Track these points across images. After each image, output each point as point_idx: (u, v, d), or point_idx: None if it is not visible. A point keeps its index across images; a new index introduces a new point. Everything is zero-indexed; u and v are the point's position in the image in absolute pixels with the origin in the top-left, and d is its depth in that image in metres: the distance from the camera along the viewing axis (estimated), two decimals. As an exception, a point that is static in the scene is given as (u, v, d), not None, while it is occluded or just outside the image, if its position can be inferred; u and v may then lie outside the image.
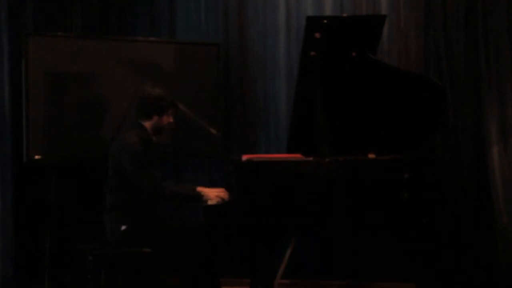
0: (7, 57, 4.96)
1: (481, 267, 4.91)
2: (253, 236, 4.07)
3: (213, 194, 4.20)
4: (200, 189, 4.24)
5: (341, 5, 5.22)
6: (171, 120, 4.34)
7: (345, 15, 5.15)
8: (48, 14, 5.25)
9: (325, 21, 4.26)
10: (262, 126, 5.39)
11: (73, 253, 4.54)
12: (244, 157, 4.18)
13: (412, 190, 4.12)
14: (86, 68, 4.99)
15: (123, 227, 4.16)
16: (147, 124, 4.28)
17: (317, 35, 4.20)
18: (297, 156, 4.25)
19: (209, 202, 4.17)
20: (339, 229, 4.83)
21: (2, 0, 4.95)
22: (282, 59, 5.36)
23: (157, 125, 4.29)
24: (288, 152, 4.51)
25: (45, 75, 4.88)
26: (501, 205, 4.82)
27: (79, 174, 5.20)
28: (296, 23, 5.29)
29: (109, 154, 4.26)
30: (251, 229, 4.00)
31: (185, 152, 5.25)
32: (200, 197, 4.18)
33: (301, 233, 4.67)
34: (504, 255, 4.81)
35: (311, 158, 4.13)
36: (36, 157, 4.81)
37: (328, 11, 5.23)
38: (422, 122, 4.38)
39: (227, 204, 4.14)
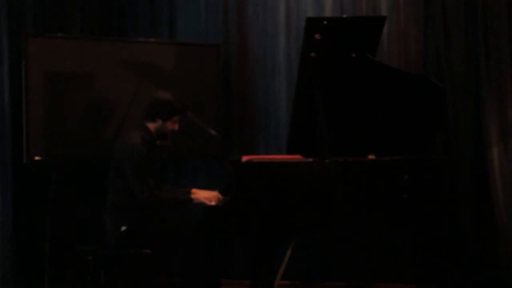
0: (7, 57, 4.95)
1: (481, 267, 4.91)
2: (253, 236, 4.07)
3: (202, 196, 4.23)
4: (194, 191, 4.30)
5: (341, 6, 5.21)
6: (175, 127, 4.34)
7: (345, 16, 5.15)
8: (48, 14, 5.24)
9: (325, 22, 4.26)
10: (262, 126, 5.39)
11: (73, 253, 4.54)
12: (244, 158, 4.18)
13: (412, 191, 4.12)
14: (86, 69, 4.98)
15: (123, 228, 4.16)
16: (151, 126, 4.29)
17: (317, 36, 4.19)
18: (297, 157, 4.25)
19: (209, 203, 4.18)
20: (339, 230, 4.85)
21: (2, 0, 4.95)
22: (282, 59, 5.36)
23: (160, 129, 4.30)
24: (288, 153, 4.51)
25: (45, 76, 4.88)
26: (501, 205, 4.82)
27: (79, 175, 5.20)
28: (296, 24, 5.28)
29: (112, 154, 4.28)
30: (251, 229, 4.00)
31: (185, 153, 5.25)
32: (189, 201, 4.24)
33: (301, 234, 4.67)
34: (504, 255, 4.81)
35: (311, 159, 4.13)
36: (36, 157, 4.81)
37: (328, 11, 5.23)
38: (422, 122, 4.38)
39: (227, 204, 4.14)
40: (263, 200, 3.95)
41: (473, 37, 4.96)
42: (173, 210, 4.61)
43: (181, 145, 5.11)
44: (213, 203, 4.18)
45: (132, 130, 4.35)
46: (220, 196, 4.24)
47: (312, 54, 4.23)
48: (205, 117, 5.02)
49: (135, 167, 4.13)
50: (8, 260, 4.96)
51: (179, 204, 4.35)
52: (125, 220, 4.19)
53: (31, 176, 5.03)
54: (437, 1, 5.02)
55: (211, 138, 4.72)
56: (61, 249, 5.00)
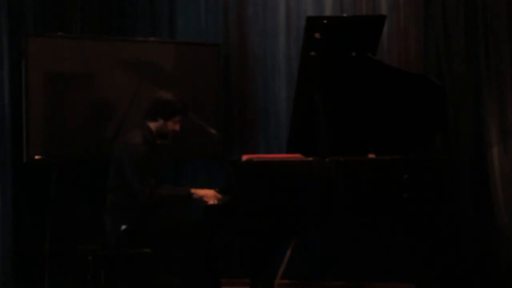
0: (7, 57, 4.95)
1: (481, 267, 4.90)
2: (253, 236, 4.06)
3: (202, 192, 4.23)
4: (193, 190, 4.28)
5: (341, 5, 5.22)
6: (176, 128, 4.34)
7: (345, 15, 5.15)
8: (48, 14, 5.25)
9: (325, 21, 4.26)
10: (262, 126, 5.40)
11: (73, 253, 4.54)
12: (244, 157, 4.18)
13: (412, 190, 4.12)
14: (86, 68, 4.99)
15: (123, 227, 4.16)
16: (152, 125, 4.29)
17: (317, 35, 4.20)
18: (297, 156, 4.25)
19: (210, 202, 4.18)
20: (339, 229, 4.84)
21: (2, 0, 4.95)
22: (282, 59, 5.37)
23: (161, 129, 4.29)
24: (288, 152, 4.51)
25: (45, 75, 4.89)
26: (501, 205, 4.82)
27: (79, 174, 5.20)
28: (296, 23, 5.29)
29: (113, 154, 4.27)
30: (251, 229, 4.00)
31: (185, 152, 5.25)
32: (189, 196, 4.22)
33: (301, 233, 4.66)
34: (504, 255, 4.80)
35: (311, 158, 4.13)
36: (36, 157, 4.81)
37: (328, 11, 5.24)
38: (422, 122, 4.38)
39: (227, 204, 4.14)
40: (263, 200, 3.95)
41: (473, 37, 4.96)
42: (174, 208, 4.62)
43: (181, 145, 5.11)
44: (212, 201, 4.18)
45: (132, 129, 4.35)
46: (218, 194, 4.23)
47: (312, 53, 4.23)
48: (205, 117, 5.02)
49: (135, 166, 4.13)
50: (8, 260, 4.96)
51: (179, 201, 4.34)
52: (125, 220, 4.19)
53: (31, 176, 5.03)
54: (437, 1, 5.03)
55: (211, 138, 4.72)
56: (61, 249, 4.99)
